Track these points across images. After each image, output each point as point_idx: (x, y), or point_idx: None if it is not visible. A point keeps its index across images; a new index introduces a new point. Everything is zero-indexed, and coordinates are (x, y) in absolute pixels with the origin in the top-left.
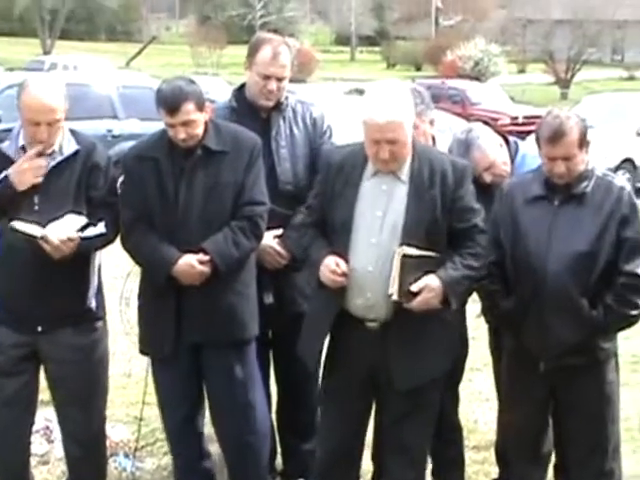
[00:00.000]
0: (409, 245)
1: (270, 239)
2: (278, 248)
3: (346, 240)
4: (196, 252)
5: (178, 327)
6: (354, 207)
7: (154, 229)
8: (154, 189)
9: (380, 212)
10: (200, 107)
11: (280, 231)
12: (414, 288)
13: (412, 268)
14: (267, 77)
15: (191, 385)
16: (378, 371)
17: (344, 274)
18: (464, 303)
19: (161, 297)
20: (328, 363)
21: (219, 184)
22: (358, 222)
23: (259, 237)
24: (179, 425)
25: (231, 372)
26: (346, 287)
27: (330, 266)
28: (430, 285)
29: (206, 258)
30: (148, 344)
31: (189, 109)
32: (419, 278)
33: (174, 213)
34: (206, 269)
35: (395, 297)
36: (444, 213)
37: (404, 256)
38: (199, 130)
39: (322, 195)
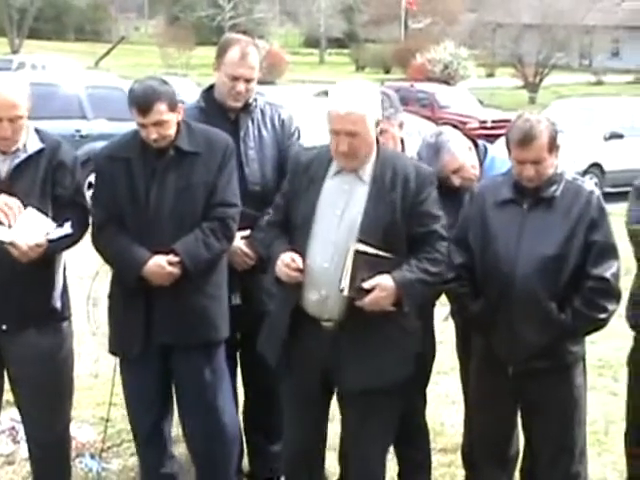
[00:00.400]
0: (365, 243)
1: (238, 240)
2: (245, 249)
3: (305, 237)
4: (167, 253)
5: (147, 328)
6: (316, 205)
7: (125, 229)
8: (125, 189)
9: (339, 211)
10: (172, 107)
11: (247, 232)
12: (366, 285)
13: (365, 265)
14: (235, 78)
15: (160, 387)
16: (331, 372)
17: (299, 269)
18: (432, 306)
19: (131, 298)
20: (288, 363)
21: (191, 185)
22: (318, 220)
23: (230, 239)
24: (147, 428)
25: (201, 374)
26: (303, 283)
27: (285, 261)
28: (382, 284)
29: (176, 259)
30: (117, 344)
31: (161, 109)
32: (372, 277)
33: (145, 214)
34: (176, 270)
35: (346, 292)
36: (403, 216)
37: (357, 252)
38: (171, 131)
39: (288, 193)
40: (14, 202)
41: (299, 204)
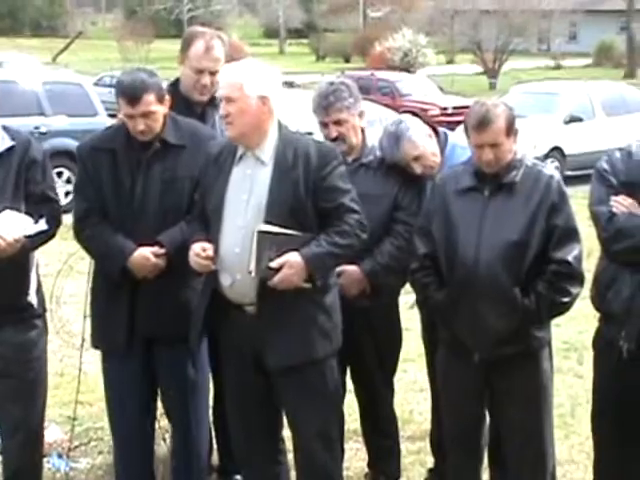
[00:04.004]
0: (271, 224)
1: None
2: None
3: (217, 225)
4: (151, 245)
5: (131, 321)
6: (224, 193)
7: (108, 221)
8: (109, 181)
9: (245, 195)
10: (160, 99)
11: None
12: (273, 264)
13: (272, 245)
14: (200, 71)
15: (144, 383)
16: (259, 354)
17: (209, 257)
18: (396, 294)
19: (114, 290)
20: (220, 352)
21: (176, 178)
22: (227, 207)
23: None
24: (129, 426)
25: (183, 369)
26: (217, 270)
27: (195, 250)
28: (290, 261)
29: (161, 251)
30: (100, 338)
31: (150, 100)
32: (280, 255)
33: (130, 205)
34: (161, 262)
35: (254, 274)
36: (308, 193)
37: (260, 232)
38: (158, 123)
39: (202, 186)
40: None
41: (211, 194)
